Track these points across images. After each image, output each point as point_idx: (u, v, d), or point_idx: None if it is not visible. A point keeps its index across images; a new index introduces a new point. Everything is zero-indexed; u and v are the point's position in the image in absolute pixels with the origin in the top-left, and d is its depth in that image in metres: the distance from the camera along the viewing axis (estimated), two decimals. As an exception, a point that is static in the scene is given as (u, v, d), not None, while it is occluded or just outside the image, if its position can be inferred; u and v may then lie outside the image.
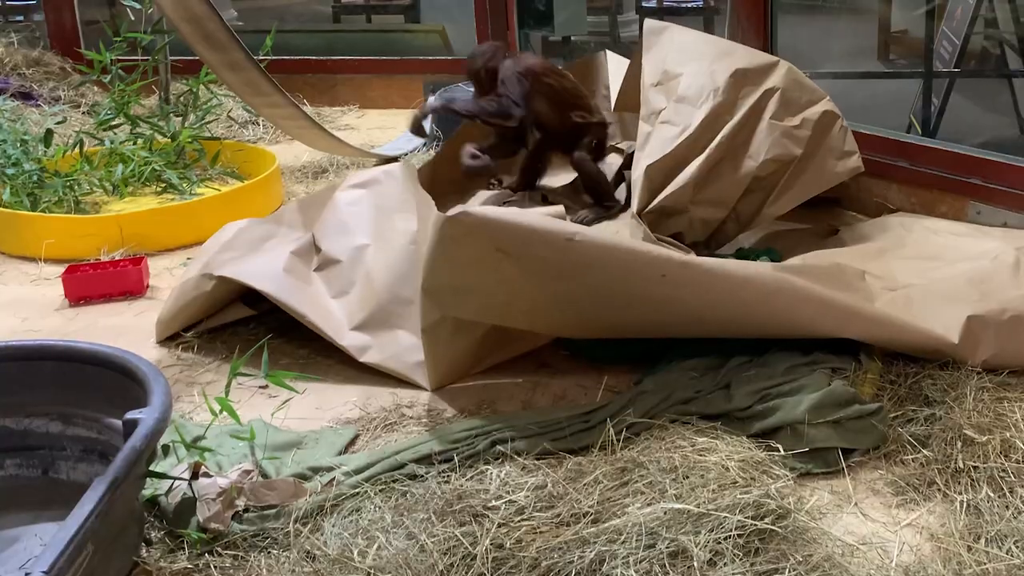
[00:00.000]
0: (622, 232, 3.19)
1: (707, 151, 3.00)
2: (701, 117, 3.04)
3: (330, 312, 2.78)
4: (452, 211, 2.35)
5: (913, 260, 2.86)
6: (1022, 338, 2.45)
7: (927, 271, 2.77)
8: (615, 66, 3.99)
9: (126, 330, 3.01)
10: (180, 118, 4.42)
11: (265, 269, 2.85)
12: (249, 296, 2.87)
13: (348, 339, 2.71)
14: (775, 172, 3.04)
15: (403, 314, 2.70)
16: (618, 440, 2.23)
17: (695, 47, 3.29)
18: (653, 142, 3.07)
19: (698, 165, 2.99)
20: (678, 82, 3.16)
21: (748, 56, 3.22)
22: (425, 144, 4.34)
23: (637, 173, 3.02)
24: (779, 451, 2.18)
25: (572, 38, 5.74)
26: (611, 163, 3.71)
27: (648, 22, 3.40)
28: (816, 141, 3.08)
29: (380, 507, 2.06)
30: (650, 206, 2.97)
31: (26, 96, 5.14)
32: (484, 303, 2.48)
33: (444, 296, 2.48)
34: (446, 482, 2.13)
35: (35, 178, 3.87)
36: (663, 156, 3.01)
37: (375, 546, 1.95)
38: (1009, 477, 2.07)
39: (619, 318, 2.50)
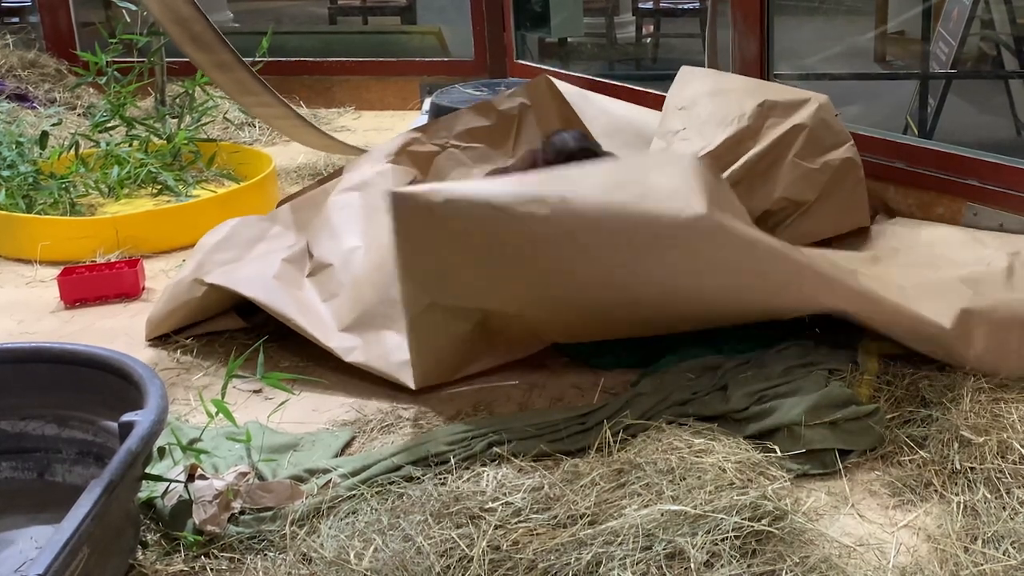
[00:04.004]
0: None
1: (727, 172, 2.97)
2: (724, 138, 3.03)
3: (320, 316, 2.77)
4: (400, 188, 2.30)
5: (906, 267, 2.86)
6: (1012, 338, 2.45)
7: (921, 276, 2.76)
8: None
9: (122, 332, 3.00)
10: (176, 120, 4.41)
11: (256, 276, 2.84)
12: (244, 303, 2.86)
13: (335, 340, 2.70)
14: (784, 209, 3.03)
15: (391, 315, 2.68)
16: (615, 442, 2.23)
17: (728, 83, 3.31)
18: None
19: None
20: (703, 108, 3.15)
21: (779, 90, 3.20)
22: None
23: None
24: (776, 452, 2.18)
25: (569, 40, 5.75)
26: None
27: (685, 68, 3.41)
28: (831, 188, 3.05)
29: (376, 509, 2.06)
30: None
31: (21, 98, 5.13)
32: (464, 283, 2.45)
33: (421, 278, 2.45)
34: (442, 484, 2.13)
35: (30, 180, 3.86)
36: None
37: (371, 548, 1.94)
38: (1006, 478, 2.07)
39: (609, 302, 2.46)
